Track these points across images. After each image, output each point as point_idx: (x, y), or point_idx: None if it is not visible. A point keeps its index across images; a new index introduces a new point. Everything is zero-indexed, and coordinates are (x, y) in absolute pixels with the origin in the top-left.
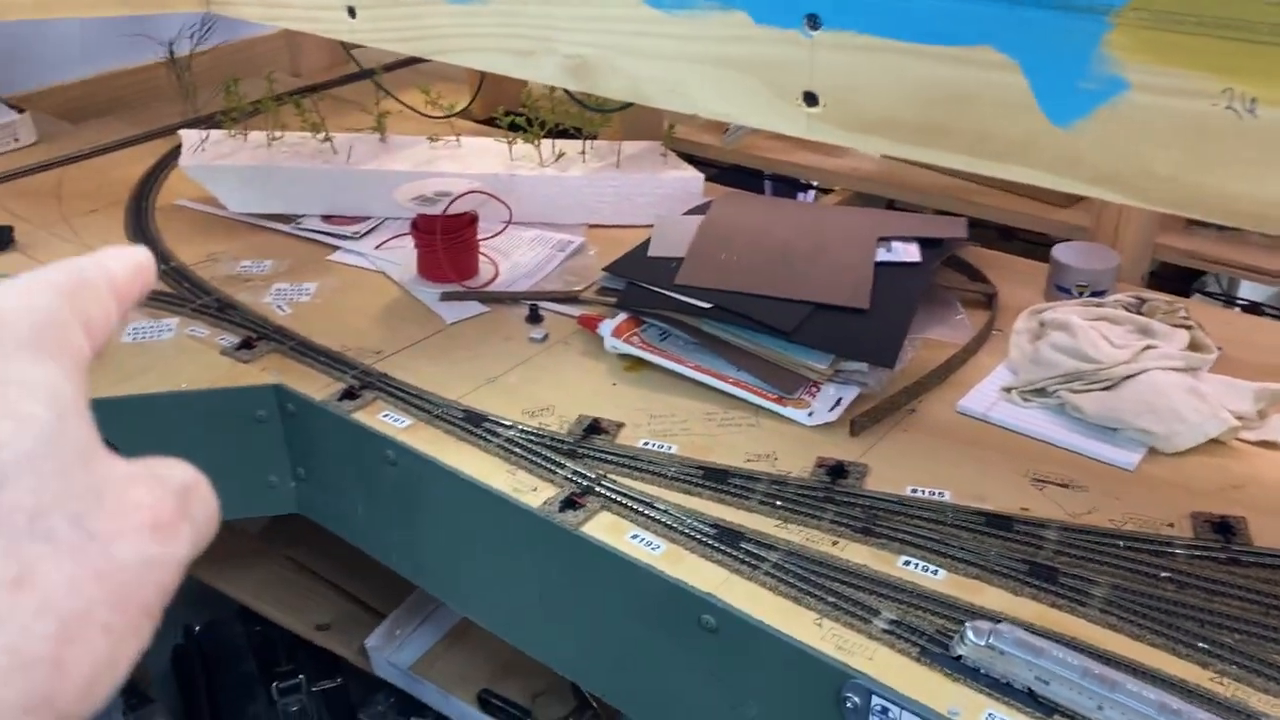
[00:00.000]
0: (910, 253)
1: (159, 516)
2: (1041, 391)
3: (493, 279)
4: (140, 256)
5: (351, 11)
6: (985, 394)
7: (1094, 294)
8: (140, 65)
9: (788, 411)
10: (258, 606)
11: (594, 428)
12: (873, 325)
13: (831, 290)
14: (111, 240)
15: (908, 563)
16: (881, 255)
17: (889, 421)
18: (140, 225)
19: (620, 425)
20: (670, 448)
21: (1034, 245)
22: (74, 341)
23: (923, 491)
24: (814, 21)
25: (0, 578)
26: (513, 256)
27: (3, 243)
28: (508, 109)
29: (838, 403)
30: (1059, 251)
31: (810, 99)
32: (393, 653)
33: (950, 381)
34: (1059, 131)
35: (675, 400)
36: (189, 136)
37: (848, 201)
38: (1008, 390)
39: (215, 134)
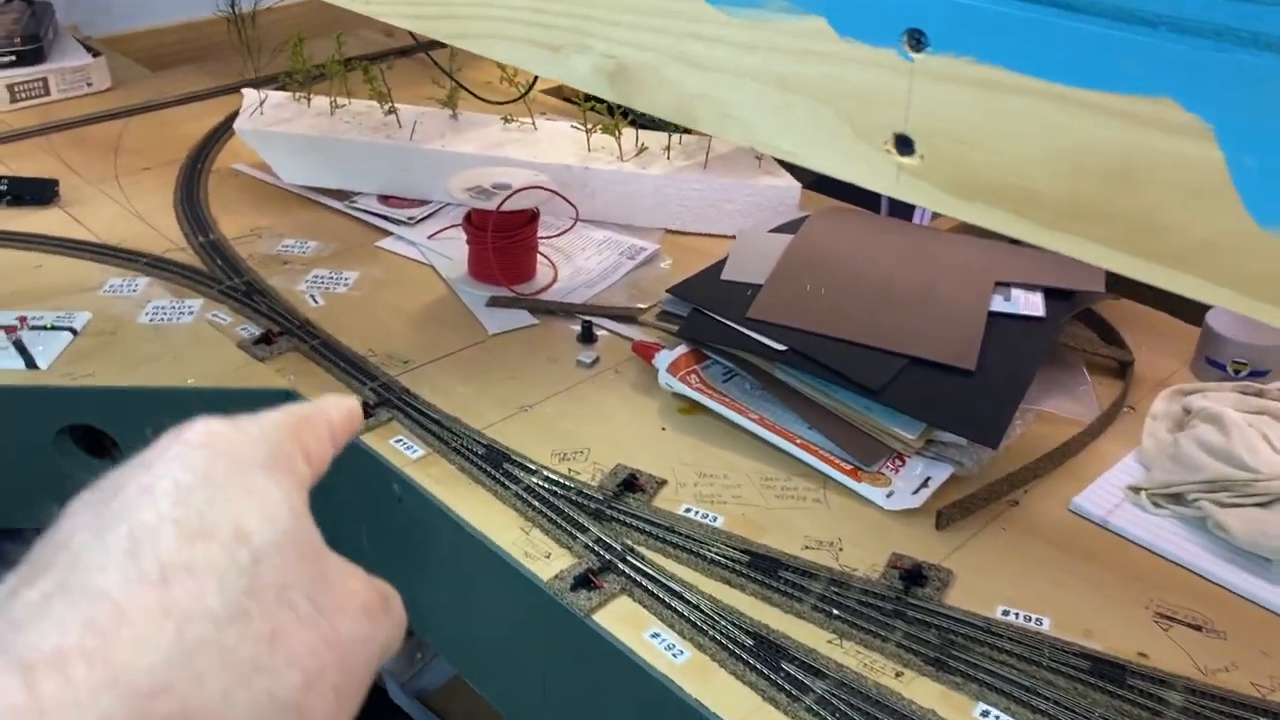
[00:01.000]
0: (1033, 304)
1: (369, 603)
2: (1179, 498)
3: (550, 285)
4: (351, 406)
5: None
6: (1107, 492)
7: (1254, 374)
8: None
9: (863, 488)
10: None
11: (630, 483)
12: (978, 392)
13: (933, 343)
14: (155, 201)
15: (985, 713)
16: (998, 304)
17: (984, 514)
18: (190, 190)
19: (662, 483)
20: (716, 519)
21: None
22: (298, 467)
23: (1016, 615)
24: (917, 40)
25: (260, 633)
26: (576, 259)
27: (46, 197)
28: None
29: (924, 483)
30: (1215, 317)
31: (904, 145)
32: (410, 679)
33: (1066, 469)
34: (1264, 235)
35: (731, 457)
36: (249, 97)
37: (965, 226)
38: (1136, 490)
39: (276, 96)
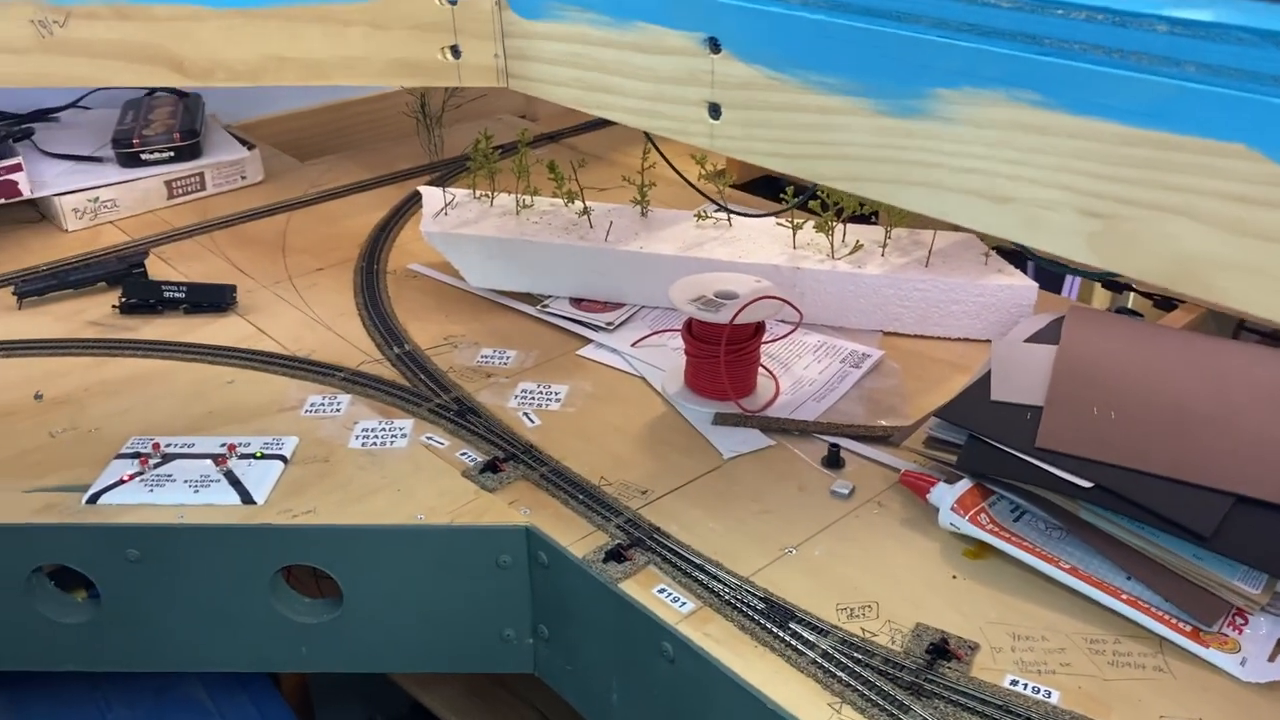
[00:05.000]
0: None
1: None
2: None
3: (773, 399)
4: None
5: (714, 110)
6: None
7: None
8: (372, 95)
9: (1209, 654)
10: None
11: (940, 649)
12: None
13: (1257, 477)
14: (336, 306)
15: None
16: None
17: None
18: (371, 294)
19: (974, 647)
20: (1050, 695)
21: None
22: None
23: None
24: None
25: None
26: (794, 369)
27: (224, 304)
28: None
29: (1278, 646)
30: None
31: None
32: None
33: None
34: None
35: (1042, 614)
36: (431, 197)
37: (1197, 323)
38: None
39: (459, 194)
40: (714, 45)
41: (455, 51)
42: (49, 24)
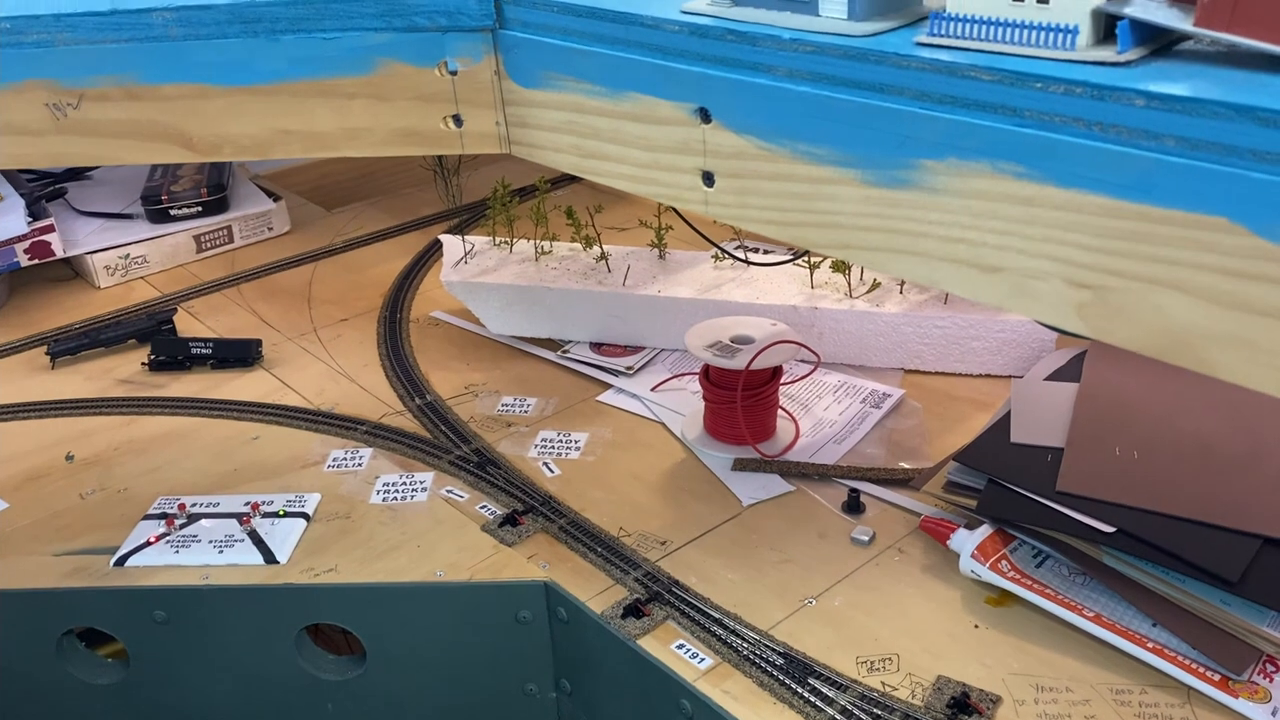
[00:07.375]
0: None
1: None
2: None
3: (793, 442)
4: None
5: (708, 178)
6: None
7: None
8: None
9: (1239, 705)
10: None
11: (961, 703)
12: None
13: None
14: (359, 357)
15: None
16: None
17: None
18: (394, 344)
19: (996, 700)
20: None
21: None
22: None
23: None
24: None
25: None
26: (814, 410)
27: (250, 359)
28: None
29: None
30: None
31: None
32: None
33: None
34: None
35: (1066, 663)
36: (451, 246)
37: None
38: None
39: (479, 242)
40: (705, 116)
41: (457, 120)
42: (63, 107)
